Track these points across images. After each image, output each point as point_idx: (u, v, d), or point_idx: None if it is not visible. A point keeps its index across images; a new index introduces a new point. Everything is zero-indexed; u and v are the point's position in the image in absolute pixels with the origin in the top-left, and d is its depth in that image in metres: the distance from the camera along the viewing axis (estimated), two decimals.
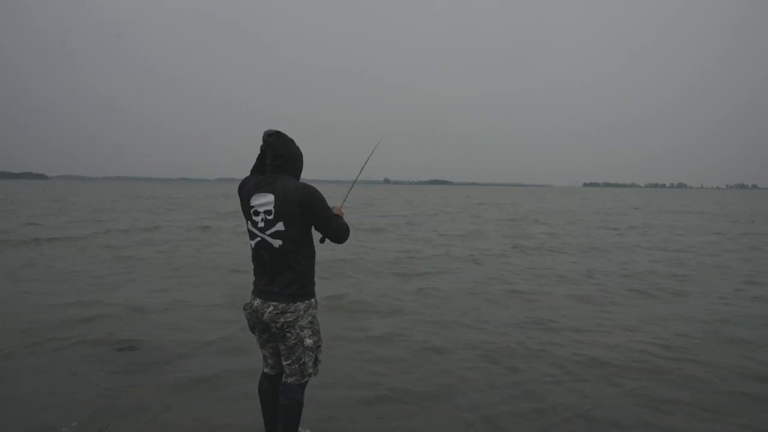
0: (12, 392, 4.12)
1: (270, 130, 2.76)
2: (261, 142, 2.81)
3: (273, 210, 2.67)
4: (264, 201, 2.70)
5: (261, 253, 2.75)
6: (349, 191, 3.51)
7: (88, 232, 15.76)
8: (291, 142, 2.79)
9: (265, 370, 3.01)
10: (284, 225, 2.67)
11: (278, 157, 2.73)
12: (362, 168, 3.54)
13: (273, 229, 2.68)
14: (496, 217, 26.24)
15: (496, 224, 21.31)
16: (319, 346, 2.85)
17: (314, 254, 2.86)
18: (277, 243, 2.68)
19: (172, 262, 10.46)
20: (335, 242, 2.86)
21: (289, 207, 2.66)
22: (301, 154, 2.86)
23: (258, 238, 2.74)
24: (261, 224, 2.71)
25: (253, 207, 2.73)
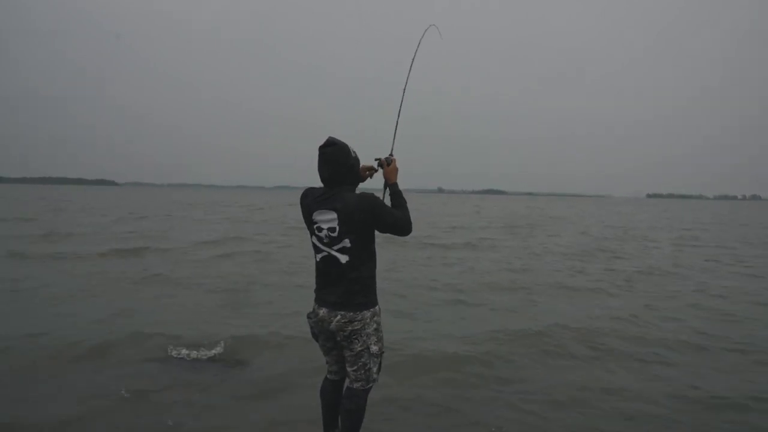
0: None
1: (326, 141, 2.79)
2: (316, 149, 2.82)
3: (337, 228, 2.72)
4: (327, 218, 2.74)
5: (326, 266, 2.83)
6: (396, 129, 3.17)
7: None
8: (346, 151, 2.80)
9: (328, 376, 3.12)
10: (350, 241, 2.74)
11: (335, 170, 2.76)
12: (407, 78, 3.28)
13: (339, 245, 2.75)
14: None
15: None
16: (383, 352, 2.93)
17: (376, 263, 2.92)
18: (344, 258, 2.76)
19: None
20: (401, 236, 2.87)
21: (352, 224, 2.71)
22: (358, 161, 2.88)
23: (323, 253, 2.82)
24: (326, 240, 2.78)
25: (316, 223, 2.79)
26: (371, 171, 3.07)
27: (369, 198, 2.76)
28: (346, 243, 2.74)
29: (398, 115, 3.22)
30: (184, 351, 5.18)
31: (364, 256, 2.81)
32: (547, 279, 10.44)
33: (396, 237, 2.91)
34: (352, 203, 2.71)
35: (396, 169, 3.01)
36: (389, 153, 3.06)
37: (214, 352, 5.22)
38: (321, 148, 2.79)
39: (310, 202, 2.84)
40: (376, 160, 3.04)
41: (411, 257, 13.09)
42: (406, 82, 3.28)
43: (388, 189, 3.00)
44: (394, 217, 2.79)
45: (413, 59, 3.30)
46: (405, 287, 9.09)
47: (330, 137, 2.81)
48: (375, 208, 2.74)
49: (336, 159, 2.76)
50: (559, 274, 11.14)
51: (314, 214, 2.80)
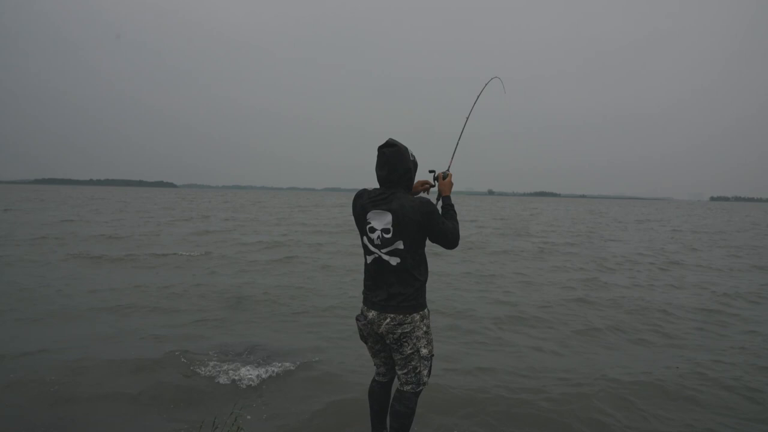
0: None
1: (386, 142, 2.81)
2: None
3: (391, 229, 2.70)
4: (382, 219, 2.73)
5: (377, 268, 2.80)
6: (455, 150, 3.34)
7: None
8: (405, 154, 2.81)
9: (376, 378, 3.10)
10: (403, 244, 2.71)
11: (393, 170, 2.77)
12: (468, 115, 3.51)
13: (391, 247, 2.72)
14: None
15: None
16: (433, 355, 2.91)
17: (427, 269, 2.90)
18: (395, 261, 2.73)
19: None
20: (448, 248, 2.88)
21: (407, 226, 2.69)
22: (415, 165, 2.88)
23: (374, 255, 2.78)
24: (378, 242, 2.75)
25: (369, 224, 2.77)
26: (427, 186, 3.10)
27: (427, 203, 2.75)
28: (399, 245, 2.71)
29: (458, 138, 3.40)
30: (245, 368, 4.91)
31: (415, 260, 2.78)
32: (662, 296, 9.08)
33: (459, 244, 2.93)
34: (409, 206, 2.70)
35: (451, 184, 3.08)
36: (447, 168, 3.16)
37: (264, 361, 5.08)
38: (380, 148, 2.80)
39: (365, 202, 2.81)
40: (430, 172, 3.12)
41: (479, 266, 12.03)
42: (469, 115, 3.49)
43: (440, 201, 3.04)
44: (446, 227, 2.79)
45: (474, 104, 3.53)
46: (474, 302, 8.17)
47: (390, 138, 2.83)
48: (432, 214, 2.72)
49: (395, 160, 2.76)
50: (672, 290, 9.72)
51: (369, 214, 2.78)
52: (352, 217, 2.90)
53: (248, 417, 3.88)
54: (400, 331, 2.74)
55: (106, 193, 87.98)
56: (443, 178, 3.07)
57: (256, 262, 11.80)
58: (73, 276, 9.47)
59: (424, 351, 2.81)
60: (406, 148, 2.81)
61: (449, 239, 2.80)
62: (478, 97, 3.54)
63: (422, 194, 3.09)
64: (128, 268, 10.61)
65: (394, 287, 2.75)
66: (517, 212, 46.36)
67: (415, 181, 3.00)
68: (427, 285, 2.91)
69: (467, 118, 3.46)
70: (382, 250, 2.74)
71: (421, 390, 2.90)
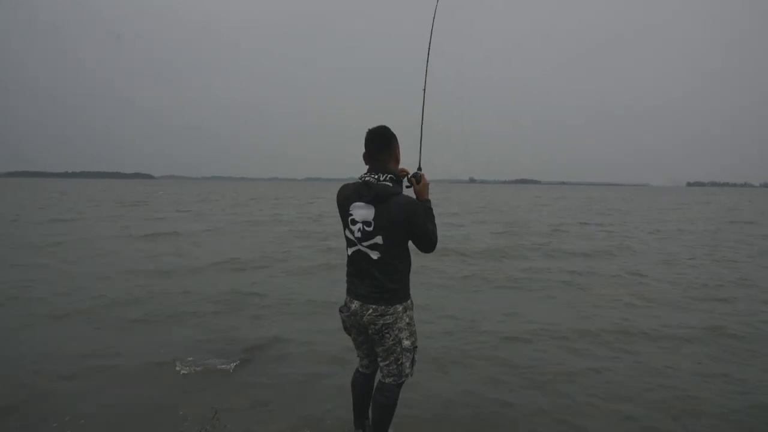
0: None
1: (374, 129, 2.79)
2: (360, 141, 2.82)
3: (372, 223, 2.68)
4: (364, 212, 2.70)
5: (358, 260, 2.79)
6: (421, 143, 3.10)
7: None
8: (394, 141, 2.81)
9: (360, 369, 3.10)
10: (383, 239, 2.69)
11: (379, 159, 2.77)
12: (428, 54, 3.21)
13: (371, 242, 2.70)
14: None
15: None
16: (416, 347, 2.90)
17: (410, 260, 2.87)
18: (374, 255, 2.71)
19: None
20: (425, 252, 2.82)
21: (389, 223, 2.67)
22: (398, 158, 2.85)
23: (355, 247, 2.77)
24: (358, 234, 2.73)
25: (351, 215, 2.75)
26: (405, 173, 2.92)
27: (412, 203, 2.71)
28: (378, 240, 2.68)
29: (422, 120, 3.12)
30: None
31: (396, 254, 2.74)
32: None
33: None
34: (394, 202, 2.65)
35: (426, 185, 2.93)
36: (417, 168, 2.98)
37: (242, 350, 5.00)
38: (369, 134, 2.78)
39: (350, 193, 2.77)
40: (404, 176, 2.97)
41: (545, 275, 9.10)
42: (425, 79, 3.18)
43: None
44: (428, 229, 2.75)
45: (430, 38, 3.23)
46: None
47: (378, 127, 2.80)
48: (415, 216, 2.68)
49: (382, 148, 2.75)
50: None
51: (352, 206, 2.74)
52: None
53: (228, 410, 3.76)
54: (381, 322, 2.73)
55: (107, 185, 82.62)
56: (417, 181, 2.90)
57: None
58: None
59: (406, 343, 2.80)
60: (392, 134, 2.80)
61: (427, 242, 2.76)
62: (434, 17, 3.22)
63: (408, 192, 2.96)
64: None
65: (377, 278, 2.73)
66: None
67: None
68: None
69: (425, 80, 3.14)
70: (362, 243, 2.72)
71: (404, 382, 2.89)
